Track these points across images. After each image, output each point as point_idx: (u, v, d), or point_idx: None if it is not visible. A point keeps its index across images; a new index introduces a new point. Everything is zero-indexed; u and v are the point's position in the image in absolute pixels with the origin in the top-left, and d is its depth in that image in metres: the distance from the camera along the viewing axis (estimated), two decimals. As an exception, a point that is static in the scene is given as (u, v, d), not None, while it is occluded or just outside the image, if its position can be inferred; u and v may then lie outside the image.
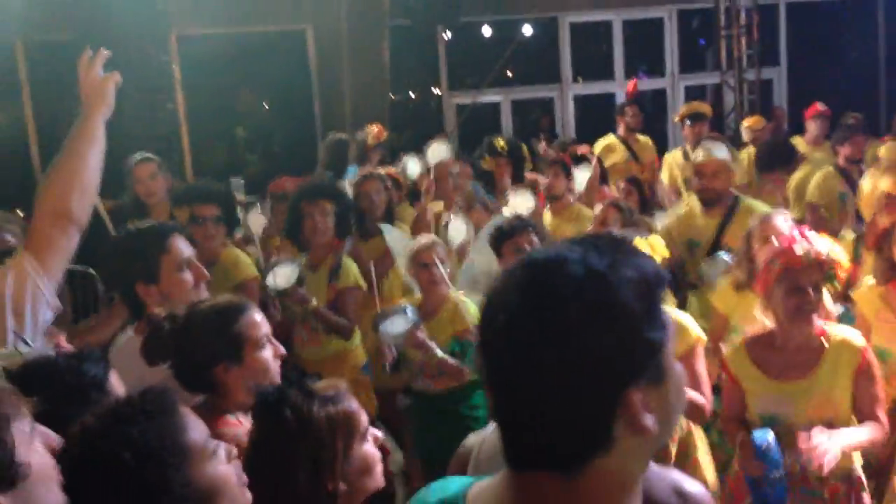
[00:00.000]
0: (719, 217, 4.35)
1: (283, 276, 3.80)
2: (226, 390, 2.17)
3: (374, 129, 5.95)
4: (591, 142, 7.32)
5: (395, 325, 3.49)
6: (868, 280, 3.35)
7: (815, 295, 2.67)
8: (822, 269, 2.68)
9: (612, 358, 0.98)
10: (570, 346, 0.98)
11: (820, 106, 7.13)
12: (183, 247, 2.72)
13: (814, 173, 5.79)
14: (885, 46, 12.00)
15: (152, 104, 6.57)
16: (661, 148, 8.08)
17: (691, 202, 4.64)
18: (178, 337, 2.21)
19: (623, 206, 4.25)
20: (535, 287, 1.02)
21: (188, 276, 2.68)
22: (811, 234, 2.79)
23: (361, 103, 8.40)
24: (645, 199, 5.23)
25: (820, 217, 5.52)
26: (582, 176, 5.37)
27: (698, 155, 4.49)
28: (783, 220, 3.58)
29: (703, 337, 3.03)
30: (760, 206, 4.28)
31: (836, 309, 3.42)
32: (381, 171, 5.31)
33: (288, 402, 1.90)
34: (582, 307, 0.98)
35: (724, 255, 4.02)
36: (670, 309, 3.13)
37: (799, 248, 2.66)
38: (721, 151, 4.46)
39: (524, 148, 6.20)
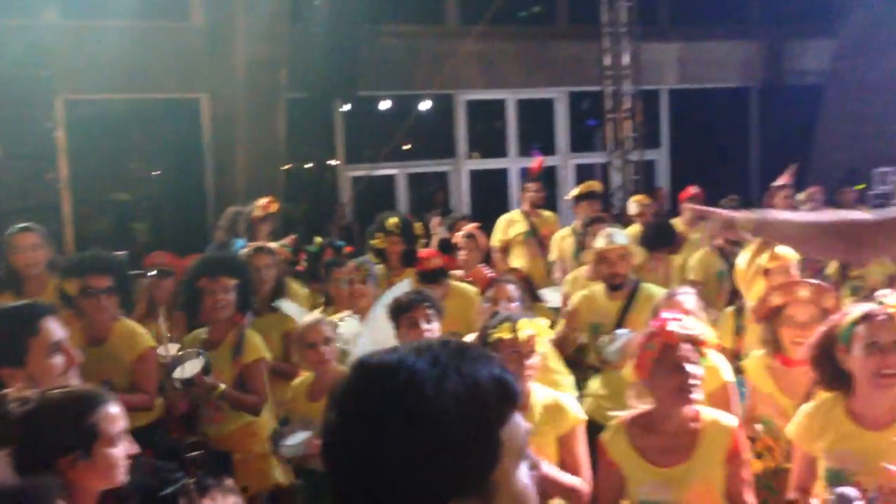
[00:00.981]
0: (621, 301, 4.49)
1: (188, 366, 3.72)
2: (70, 485, 2.05)
3: (263, 201, 5.90)
4: (485, 216, 7.46)
5: (293, 440, 3.44)
6: (756, 351, 3.48)
7: (693, 373, 2.76)
8: (695, 346, 2.77)
9: (429, 471, 0.98)
10: (390, 456, 0.98)
11: (693, 189, 7.54)
12: (54, 329, 2.60)
13: (691, 253, 6.07)
14: (757, 132, 12.85)
15: (33, 172, 6.34)
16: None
17: (593, 287, 4.76)
18: (26, 421, 2.10)
19: (514, 281, 4.32)
20: (361, 393, 1.03)
21: (58, 360, 2.56)
22: (681, 312, 2.90)
23: (255, 175, 8.35)
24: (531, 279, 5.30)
25: (700, 294, 5.77)
26: None
27: (601, 241, 4.63)
28: (687, 296, 3.73)
29: (583, 418, 3.07)
30: (659, 290, 4.42)
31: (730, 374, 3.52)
32: (272, 245, 5.26)
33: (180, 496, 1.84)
34: (399, 418, 0.98)
35: (623, 332, 4.13)
36: (550, 391, 3.16)
37: (673, 327, 2.74)
38: (622, 237, 4.63)
39: (418, 226, 6.26)
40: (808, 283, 3.37)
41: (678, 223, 7.31)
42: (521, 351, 2.98)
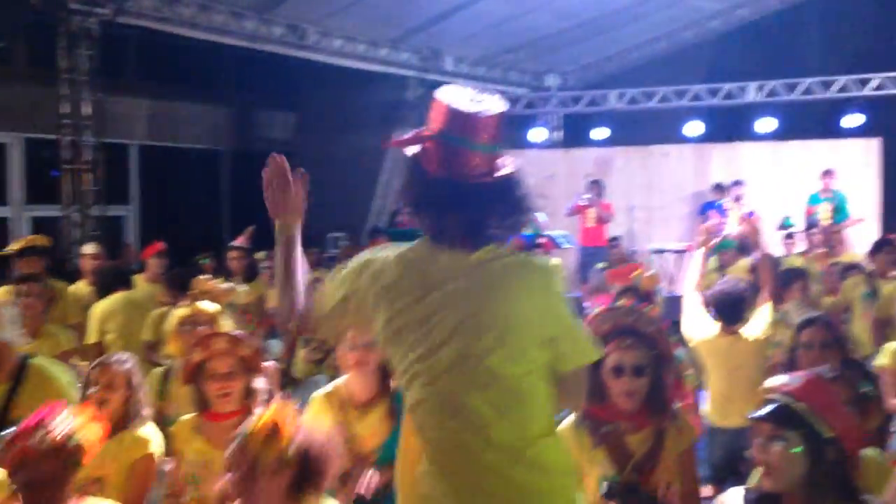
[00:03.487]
0: (6, 384, 3.62)
1: None
2: None
3: None
4: None
5: None
6: (184, 416, 3.39)
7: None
8: (59, 458, 2.53)
9: None
10: None
11: (160, 245, 7.44)
12: None
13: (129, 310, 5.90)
14: (228, 193, 13.26)
15: None
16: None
17: None
18: None
19: None
20: None
21: None
22: (56, 412, 2.65)
23: None
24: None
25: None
26: None
27: None
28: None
29: None
30: (56, 366, 3.91)
31: None
32: None
33: None
34: None
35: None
36: None
37: (35, 437, 2.49)
38: None
39: None
40: (224, 335, 3.44)
41: (140, 280, 7.09)
42: None
